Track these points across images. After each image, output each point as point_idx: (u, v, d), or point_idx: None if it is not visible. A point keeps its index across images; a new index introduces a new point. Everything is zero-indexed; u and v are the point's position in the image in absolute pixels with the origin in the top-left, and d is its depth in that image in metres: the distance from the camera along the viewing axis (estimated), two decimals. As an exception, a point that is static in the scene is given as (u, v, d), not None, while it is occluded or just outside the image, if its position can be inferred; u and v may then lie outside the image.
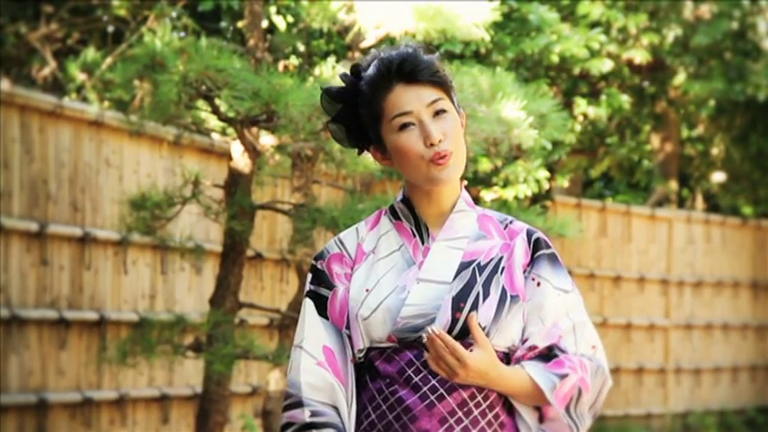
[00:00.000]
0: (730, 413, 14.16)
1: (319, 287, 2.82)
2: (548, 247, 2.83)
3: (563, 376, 2.71)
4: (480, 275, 2.75)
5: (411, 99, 2.76)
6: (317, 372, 2.75)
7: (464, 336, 2.73)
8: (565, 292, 2.80)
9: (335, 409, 2.75)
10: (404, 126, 2.75)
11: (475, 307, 2.72)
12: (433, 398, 2.71)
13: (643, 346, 13.29)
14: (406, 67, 2.77)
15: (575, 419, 2.75)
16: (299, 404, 2.74)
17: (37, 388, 7.66)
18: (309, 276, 2.85)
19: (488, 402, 2.74)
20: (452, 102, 2.81)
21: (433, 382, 2.72)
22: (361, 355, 2.78)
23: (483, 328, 2.71)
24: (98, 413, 8.07)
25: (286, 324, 6.93)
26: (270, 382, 7.10)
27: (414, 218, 2.83)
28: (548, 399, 2.70)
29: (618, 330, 12.97)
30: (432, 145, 2.73)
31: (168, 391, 8.55)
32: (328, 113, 2.86)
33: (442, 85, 2.79)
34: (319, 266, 2.83)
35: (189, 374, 8.61)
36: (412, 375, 2.73)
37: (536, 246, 2.81)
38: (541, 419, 2.79)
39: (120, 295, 8.31)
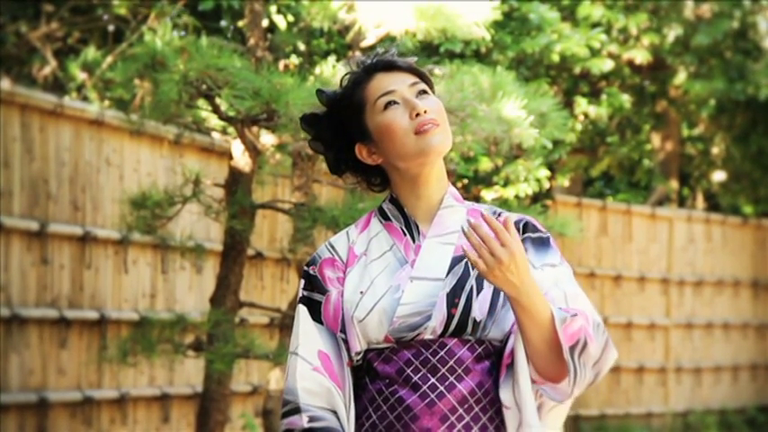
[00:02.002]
0: (731, 412, 14.16)
1: (312, 293, 2.82)
2: (535, 230, 2.81)
3: (572, 315, 2.67)
4: (473, 269, 2.74)
5: (393, 81, 2.81)
6: (314, 377, 2.76)
7: (460, 333, 2.73)
8: (551, 266, 2.77)
9: (334, 413, 2.75)
10: (388, 104, 2.78)
11: (469, 301, 2.72)
12: (432, 396, 2.71)
13: (644, 346, 13.29)
14: (384, 60, 2.83)
15: (576, 364, 2.67)
16: (296, 410, 2.74)
17: (37, 387, 7.66)
18: (302, 282, 2.85)
19: (489, 398, 2.73)
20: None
21: (433, 380, 2.71)
22: (359, 357, 2.78)
23: (478, 323, 2.72)
24: (99, 412, 8.07)
25: (287, 323, 6.92)
26: (270, 381, 7.10)
27: (403, 217, 2.83)
28: (557, 329, 2.63)
29: (618, 329, 12.97)
30: (417, 115, 2.76)
31: (169, 390, 8.55)
32: (307, 133, 2.90)
33: (422, 75, 2.84)
34: (312, 272, 2.83)
35: (189, 373, 8.61)
36: (411, 375, 2.72)
37: (524, 230, 2.81)
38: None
39: (121, 294, 8.31)
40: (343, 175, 2.90)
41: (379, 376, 2.76)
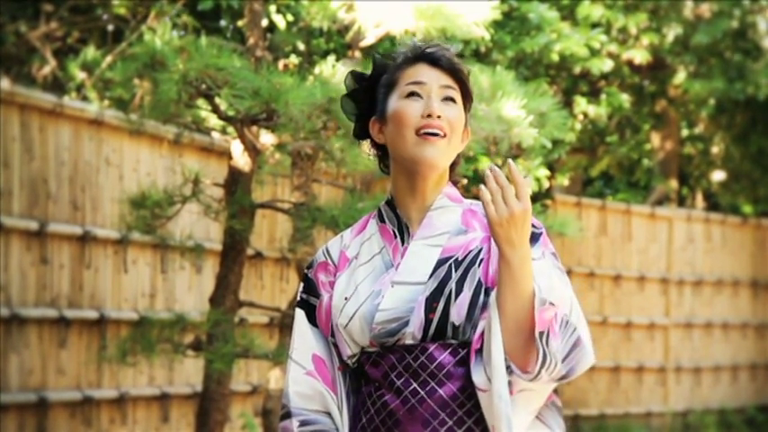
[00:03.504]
0: (730, 412, 14.16)
1: (309, 296, 2.84)
2: None
3: (550, 303, 2.61)
4: (456, 271, 2.71)
5: (429, 75, 2.77)
6: (306, 381, 2.78)
7: (441, 337, 2.69)
8: (531, 260, 2.66)
9: (329, 415, 2.77)
10: (411, 94, 2.76)
11: (448, 305, 2.68)
12: (413, 401, 2.69)
13: (643, 345, 13.29)
14: (434, 53, 2.79)
15: (545, 350, 2.59)
16: (288, 415, 2.78)
17: (37, 387, 7.66)
18: (301, 285, 2.87)
19: (474, 401, 2.68)
20: (465, 111, 2.81)
21: (414, 385, 2.69)
22: (353, 360, 2.79)
23: (457, 327, 2.68)
24: (98, 412, 8.07)
25: (286, 323, 6.92)
26: (270, 380, 7.09)
27: (397, 218, 2.81)
28: (534, 308, 2.57)
29: (618, 329, 12.97)
30: (429, 116, 2.73)
31: (168, 389, 8.55)
32: (347, 89, 2.88)
33: (462, 84, 2.80)
34: (309, 275, 2.86)
35: (189, 373, 8.61)
36: (394, 379, 2.71)
37: None
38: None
39: (121, 294, 8.31)
40: (361, 140, 2.88)
41: (370, 379, 2.76)
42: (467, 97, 2.81)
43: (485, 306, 2.67)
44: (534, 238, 2.72)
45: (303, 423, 2.76)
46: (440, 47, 2.81)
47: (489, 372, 2.61)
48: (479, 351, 2.65)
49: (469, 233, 2.77)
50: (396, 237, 2.79)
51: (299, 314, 2.84)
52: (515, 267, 2.58)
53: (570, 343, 2.65)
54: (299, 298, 2.86)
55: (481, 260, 2.72)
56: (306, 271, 2.87)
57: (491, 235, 2.60)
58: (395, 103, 2.77)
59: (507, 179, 2.59)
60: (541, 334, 2.58)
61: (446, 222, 2.77)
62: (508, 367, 2.62)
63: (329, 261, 2.84)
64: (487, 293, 2.68)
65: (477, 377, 2.64)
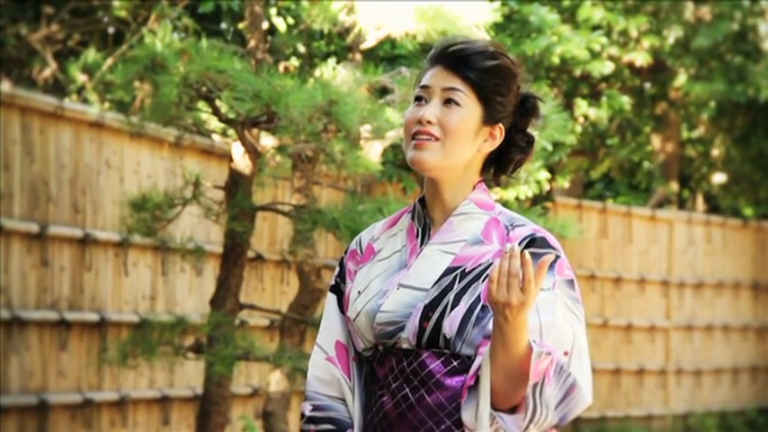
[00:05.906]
0: (731, 414, 14.16)
1: (341, 281, 2.84)
2: (542, 247, 2.68)
3: (546, 353, 2.57)
4: (459, 282, 2.67)
5: (437, 78, 2.72)
6: (325, 366, 2.78)
7: (432, 346, 2.67)
8: (540, 290, 2.58)
9: (344, 402, 2.78)
10: (417, 99, 2.73)
11: (442, 316, 2.65)
12: (404, 406, 2.68)
13: (644, 348, 13.29)
14: (453, 53, 2.72)
15: (536, 401, 2.57)
16: (305, 398, 2.80)
17: (37, 389, 7.66)
18: (337, 269, 2.86)
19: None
20: (486, 110, 2.72)
21: (406, 390, 2.68)
22: (368, 354, 2.78)
23: (448, 339, 2.65)
24: (99, 414, 8.07)
25: (286, 325, 6.92)
26: (270, 383, 7.09)
27: (424, 218, 2.77)
28: (531, 362, 2.53)
29: (618, 331, 12.97)
30: (419, 122, 2.69)
31: (169, 392, 8.55)
32: None
33: (477, 85, 2.71)
34: (343, 260, 2.85)
35: (189, 376, 8.60)
36: (391, 382, 2.71)
37: (530, 245, 2.68)
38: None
39: (121, 296, 8.31)
40: None
41: (376, 377, 2.77)
42: (489, 95, 2.71)
43: (479, 321, 2.65)
44: (550, 265, 2.61)
45: (316, 408, 2.77)
46: (459, 46, 2.72)
47: (478, 418, 2.60)
48: (472, 389, 2.63)
49: (485, 245, 2.71)
50: (417, 236, 2.76)
51: (330, 298, 2.83)
52: (507, 334, 2.53)
53: (565, 388, 2.61)
54: (332, 282, 2.85)
55: (487, 276, 2.66)
56: (343, 255, 2.87)
57: (488, 303, 2.56)
58: (408, 107, 2.76)
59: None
60: (535, 385, 2.56)
61: (466, 230, 2.72)
62: (494, 417, 2.59)
63: (358, 250, 2.83)
64: (484, 310, 2.65)
65: (467, 416, 2.62)
